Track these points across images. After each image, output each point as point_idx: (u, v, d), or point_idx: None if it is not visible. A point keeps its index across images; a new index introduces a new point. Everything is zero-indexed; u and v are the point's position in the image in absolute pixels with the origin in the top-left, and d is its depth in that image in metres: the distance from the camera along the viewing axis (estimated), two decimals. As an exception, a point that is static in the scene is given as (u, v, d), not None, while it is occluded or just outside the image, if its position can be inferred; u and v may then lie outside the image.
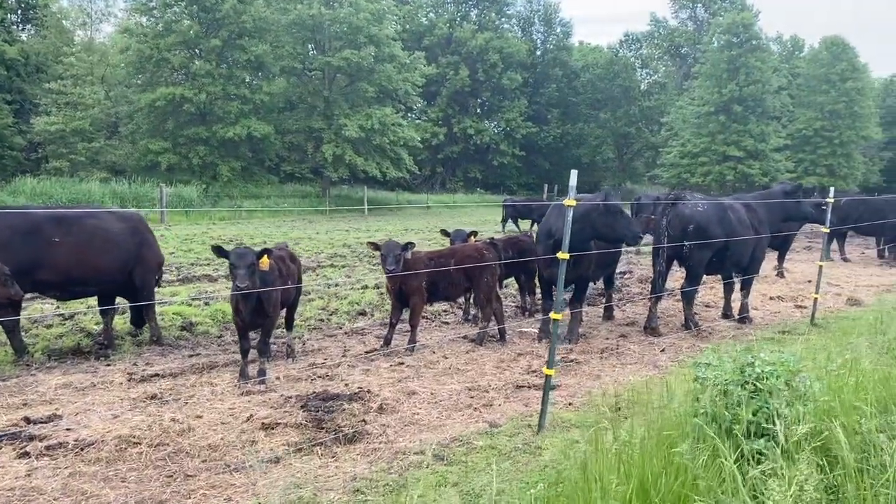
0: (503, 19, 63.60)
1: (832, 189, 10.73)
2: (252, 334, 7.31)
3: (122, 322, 9.54)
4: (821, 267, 10.78)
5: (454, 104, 60.08)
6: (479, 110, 63.18)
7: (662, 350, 8.77)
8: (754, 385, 4.90)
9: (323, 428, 5.68)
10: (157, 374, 7.28)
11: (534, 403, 6.45)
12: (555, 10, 66.22)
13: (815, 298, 10.64)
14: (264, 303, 6.88)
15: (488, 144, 60.73)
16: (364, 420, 5.89)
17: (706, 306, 12.03)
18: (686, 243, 9.52)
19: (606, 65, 64.53)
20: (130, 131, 42.12)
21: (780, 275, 15.66)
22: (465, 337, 9.24)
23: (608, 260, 9.79)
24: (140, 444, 5.30)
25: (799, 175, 52.32)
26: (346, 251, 19.43)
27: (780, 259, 16.16)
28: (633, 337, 9.52)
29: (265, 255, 6.76)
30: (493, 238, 9.87)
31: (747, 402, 4.73)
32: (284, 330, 8.47)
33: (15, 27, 48.64)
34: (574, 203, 5.79)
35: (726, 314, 11.04)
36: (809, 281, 14.90)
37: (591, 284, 10.76)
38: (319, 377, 7.20)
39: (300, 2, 43.19)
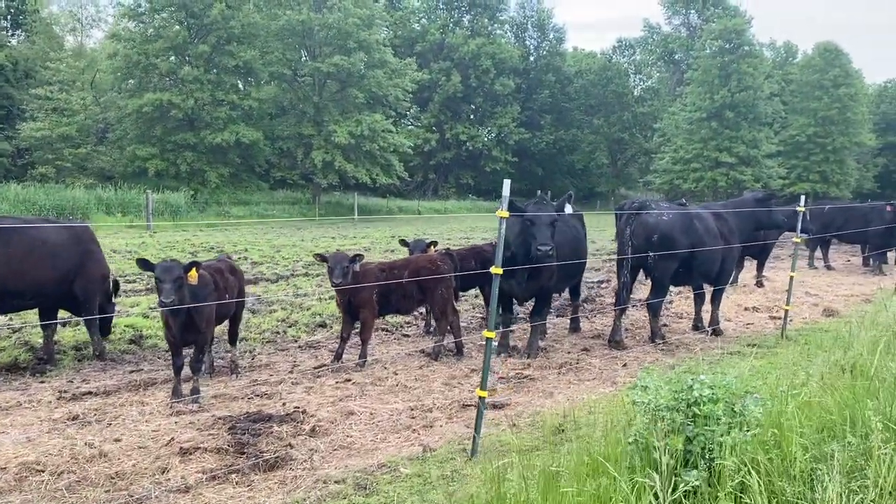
0: (496, 25, 63.46)
1: (802, 197, 10.43)
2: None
3: (71, 335, 9.24)
4: (791, 277, 10.45)
5: (446, 110, 59.86)
6: (471, 116, 62.91)
7: (624, 365, 8.45)
8: (692, 410, 4.61)
9: (244, 453, 5.37)
10: (89, 392, 6.97)
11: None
12: (548, 15, 66.13)
13: (786, 310, 10.34)
14: (195, 318, 6.57)
15: (481, 150, 60.45)
16: (290, 444, 5.58)
17: (678, 317, 11.74)
18: (651, 253, 9.22)
19: (600, 70, 64.45)
20: (118, 137, 41.85)
21: (760, 284, 15.38)
22: (422, 351, 8.93)
23: (571, 271, 9.49)
24: (44, 471, 4.98)
25: (791, 181, 52.24)
26: (324, 259, 19.08)
27: (759, 268, 15.86)
28: (597, 351, 9.20)
29: (193, 269, 6.45)
30: (449, 248, 9.56)
31: (679, 430, 4.45)
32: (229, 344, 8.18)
33: (5, 32, 48.46)
34: (506, 215, 5.47)
35: (696, 326, 10.74)
36: (787, 290, 14.62)
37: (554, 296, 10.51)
38: (258, 396, 6.89)
39: (290, 7, 43.00)
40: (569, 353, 9.06)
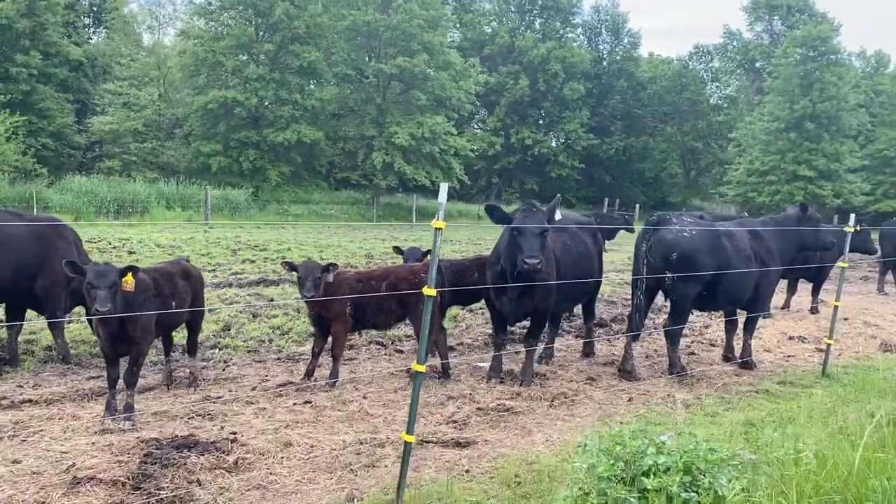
0: (568, 28, 62.02)
1: (852, 216, 9.18)
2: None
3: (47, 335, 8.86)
4: (836, 307, 9.20)
5: (513, 114, 58.83)
6: (539, 121, 61.73)
7: (630, 399, 7.48)
8: (642, 483, 3.71)
9: (140, 489, 4.72)
10: (29, 401, 6.49)
11: (425, 468, 5.36)
12: (623, 19, 64.29)
13: (829, 344, 9.10)
14: (128, 328, 5.98)
15: (547, 156, 59.16)
16: (199, 480, 4.90)
17: (711, 344, 10.59)
18: (668, 274, 8.22)
19: (674, 77, 62.28)
20: (185, 134, 42.59)
21: (814, 311, 13.97)
22: (408, 370, 8.16)
23: (578, 289, 8.57)
24: None
25: (877, 198, 49.27)
26: (362, 261, 18.54)
27: (815, 292, 14.40)
28: (604, 381, 8.24)
29: (129, 273, 5.86)
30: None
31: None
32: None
33: (87, 30, 50.13)
34: (442, 225, 4.66)
35: (727, 356, 9.61)
36: (847, 319, 13.24)
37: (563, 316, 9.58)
38: (200, 416, 6.25)
39: (355, 8, 42.93)
40: (571, 381, 8.12)
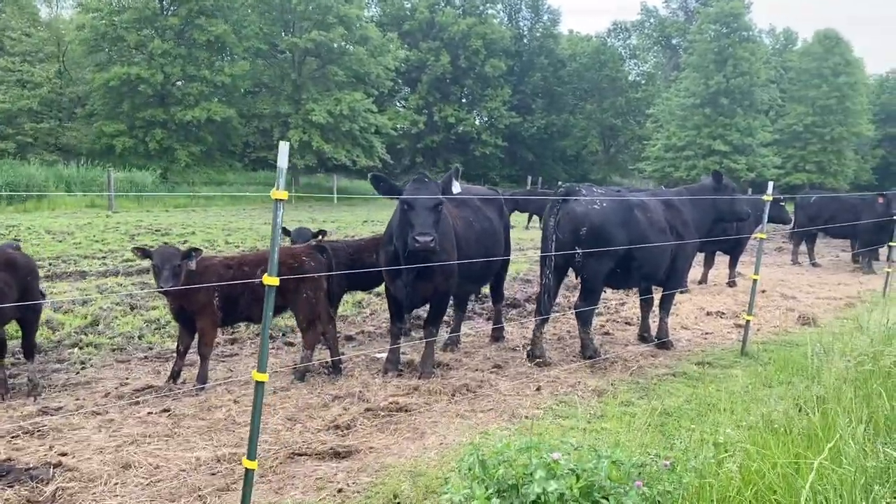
0: (488, 4, 61.32)
1: (770, 184, 8.74)
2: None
3: None
4: (755, 281, 8.74)
5: (435, 92, 57.93)
6: (462, 99, 61.03)
7: (538, 389, 6.82)
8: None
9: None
10: None
11: (290, 490, 4.54)
12: (543, -4, 64.04)
13: (748, 321, 8.66)
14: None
15: (470, 134, 58.58)
16: (-2, 521, 3.98)
17: (626, 323, 10.05)
18: (578, 250, 7.57)
19: (593, 54, 62.44)
20: (87, 113, 40.17)
21: (732, 284, 13.72)
22: (295, 366, 7.28)
23: (483, 269, 7.87)
24: None
25: (787, 171, 50.55)
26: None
27: (732, 265, 14.14)
28: (511, 368, 7.56)
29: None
30: (320, 239, 7.83)
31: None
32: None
33: (-25, 2, 46.62)
34: (284, 195, 3.83)
35: (643, 336, 9.07)
36: (764, 291, 12.99)
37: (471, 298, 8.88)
38: (28, 433, 5.26)
39: (267, -21, 41.23)
40: (476, 370, 7.41)
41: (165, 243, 8.43)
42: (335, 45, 41.33)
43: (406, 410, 6.08)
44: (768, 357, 8.19)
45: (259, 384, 3.89)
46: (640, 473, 3.38)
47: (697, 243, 8.98)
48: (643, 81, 64.81)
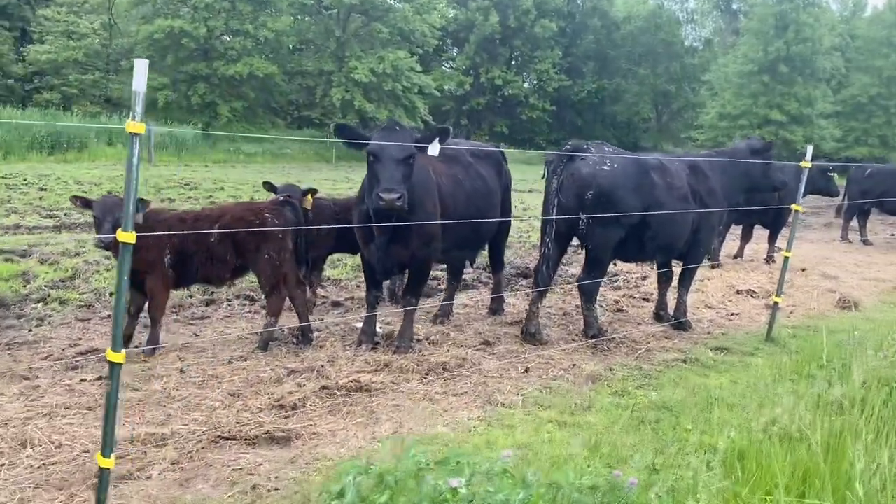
0: (541, -38, 59.40)
1: (809, 148, 7.80)
2: None
3: None
4: (786, 259, 7.90)
5: (483, 52, 56.56)
6: (512, 61, 59.57)
7: (526, 370, 6.17)
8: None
9: None
10: None
11: (198, 482, 3.97)
12: (598, -46, 61.72)
13: (776, 302, 7.81)
14: None
15: (517, 97, 57.20)
16: None
17: (644, 300, 9.24)
18: (582, 216, 6.83)
19: (649, 17, 60.14)
20: (131, 66, 40.18)
21: (770, 260, 12.76)
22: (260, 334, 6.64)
23: (478, 234, 7.17)
24: None
25: (848, 144, 48.34)
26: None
27: (771, 240, 13.08)
28: (501, 345, 6.88)
29: None
30: (284, 196, 6.79)
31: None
32: None
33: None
34: (140, 129, 3.24)
35: (659, 314, 8.23)
36: (805, 269, 12.05)
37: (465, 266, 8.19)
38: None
39: (313, -68, 40.45)
40: (461, 347, 6.70)
41: (109, 192, 7.87)
42: (379, 1, 40.50)
43: (367, 390, 5.38)
44: (796, 345, 7.37)
45: (114, 366, 3.33)
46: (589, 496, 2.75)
47: (725, 214, 8.12)
48: (700, 47, 62.39)
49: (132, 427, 4.51)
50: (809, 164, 7.62)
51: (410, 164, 5.89)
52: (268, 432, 4.49)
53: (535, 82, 59.09)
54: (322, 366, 5.77)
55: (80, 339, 6.26)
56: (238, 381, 5.41)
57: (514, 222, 9.53)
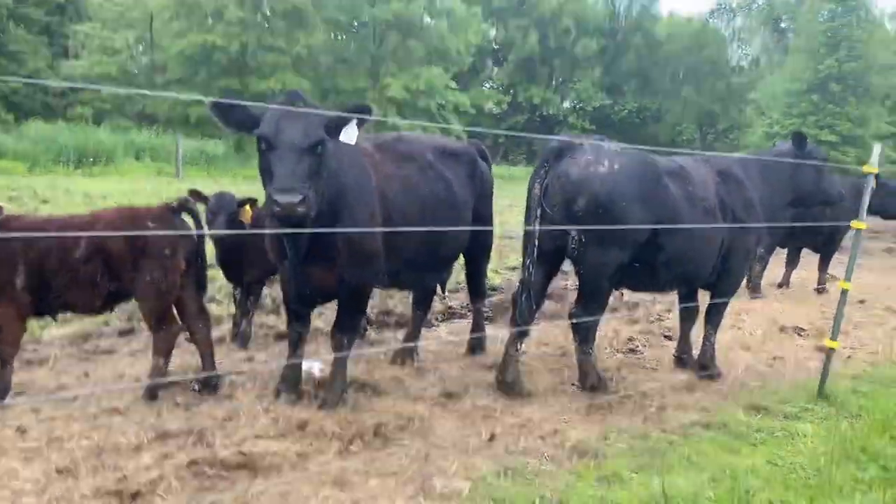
0: (583, -18, 58.39)
1: (876, 146, 6.19)
2: None
3: None
4: (844, 291, 6.30)
5: (521, 71, 55.70)
6: (552, 80, 58.47)
7: (491, 438, 4.67)
8: None
9: None
10: None
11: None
12: (641, -28, 60.39)
13: (831, 348, 6.18)
14: None
15: (556, 117, 56.05)
16: None
17: (666, 337, 7.78)
18: (573, 227, 5.29)
19: (694, 35, 58.46)
20: (164, 81, 40.29)
21: (822, 290, 11.10)
22: (198, 379, 5.39)
23: (440, 252, 5.77)
24: None
25: (905, 168, 45.68)
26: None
27: (823, 267, 11.30)
28: (467, 399, 5.35)
29: None
30: (180, 200, 5.37)
31: None
32: None
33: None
34: None
35: (680, 357, 6.74)
36: (862, 301, 10.41)
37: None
38: None
39: (347, -52, 40.11)
40: (415, 400, 5.27)
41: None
42: (416, 18, 39.93)
43: (253, 468, 4.02)
44: (857, 404, 5.82)
45: None
46: None
47: (765, 232, 6.62)
48: (746, 66, 60.40)
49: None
50: (876, 170, 6.09)
51: (318, 153, 4.43)
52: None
53: (574, 101, 57.91)
54: (211, 426, 4.44)
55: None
56: (85, 446, 4.12)
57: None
